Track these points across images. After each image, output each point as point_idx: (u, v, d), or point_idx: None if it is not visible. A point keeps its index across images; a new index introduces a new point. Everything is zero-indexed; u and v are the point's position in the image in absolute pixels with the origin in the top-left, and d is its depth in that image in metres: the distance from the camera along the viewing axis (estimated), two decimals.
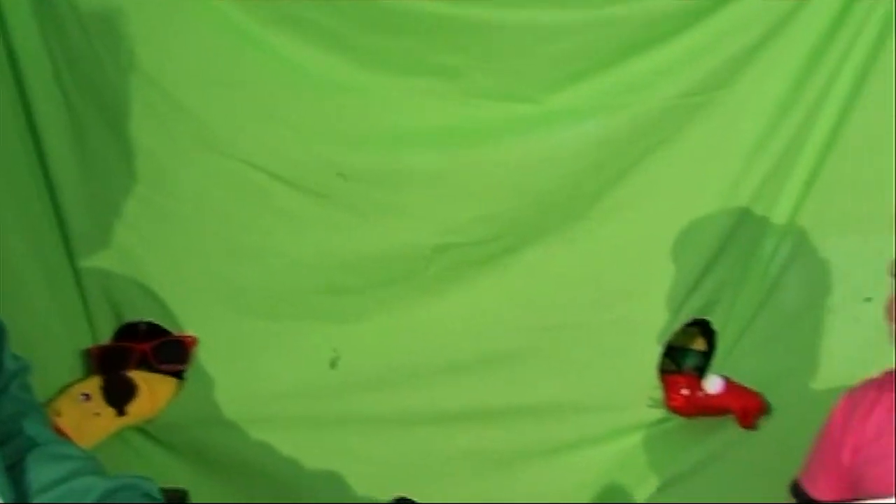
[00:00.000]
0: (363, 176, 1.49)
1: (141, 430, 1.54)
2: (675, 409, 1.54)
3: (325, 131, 1.47)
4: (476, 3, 1.41)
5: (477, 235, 1.52)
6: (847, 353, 1.47)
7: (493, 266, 1.55)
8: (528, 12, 1.40)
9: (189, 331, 1.52)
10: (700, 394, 1.53)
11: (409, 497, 1.15)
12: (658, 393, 1.56)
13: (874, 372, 1.11)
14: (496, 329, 1.58)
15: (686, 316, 1.54)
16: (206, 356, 1.53)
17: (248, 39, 1.42)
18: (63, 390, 1.48)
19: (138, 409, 1.49)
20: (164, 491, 0.99)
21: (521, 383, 1.60)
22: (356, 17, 1.41)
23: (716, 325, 1.55)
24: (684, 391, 1.53)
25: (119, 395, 1.48)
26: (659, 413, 1.58)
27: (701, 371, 1.58)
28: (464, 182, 1.50)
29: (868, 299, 1.44)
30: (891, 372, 1.07)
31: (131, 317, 1.53)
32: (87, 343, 1.51)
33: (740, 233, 1.50)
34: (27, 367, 1.05)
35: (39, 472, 0.95)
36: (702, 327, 1.59)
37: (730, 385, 1.53)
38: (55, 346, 1.48)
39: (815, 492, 1.11)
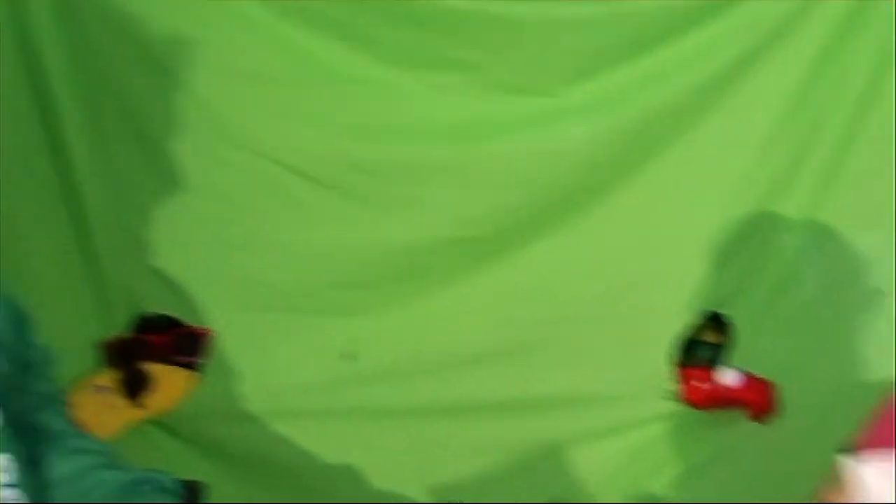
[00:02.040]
0: (379, 169, 1.49)
1: (158, 422, 1.54)
2: (693, 402, 1.54)
3: (343, 125, 1.48)
4: None
5: (491, 228, 1.53)
6: (867, 347, 1.47)
7: (507, 258, 1.56)
8: (547, 6, 1.41)
9: (206, 323, 1.52)
10: (720, 386, 1.52)
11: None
12: (672, 385, 1.56)
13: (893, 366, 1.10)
14: (510, 321, 1.58)
15: (701, 309, 1.54)
16: (223, 349, 1.53)
17: (266, 33, 1.43)
18: (81, 382, 1.48)
19: (156, 401, 1.50)
20: (182, 483, 1.00)
21: (534, 376, 1.60)
22: (375, 11, 1.42)
23: (732, 317, 1.54)
24: (702, 384, 1.53)
25: (136, 387, 1.49)
26: (673, 405, 1.57)
27: (712, 363, 1.57)
28: (479, 175, 1.51)
29: (889, 293, 1.43)
30: None
31: (149, 309, 1.53)
32: (106, 335, 1.51)
33: (756, 226, 1.50)
34: (50, 357, 1.06)
35: (59, 465, 0.95)
36: (714, 319, 1.58)
37: (749, 378, 1.52)
38: (74, 338, 1.48)
39: None
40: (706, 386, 1.56)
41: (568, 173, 1.49)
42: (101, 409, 1.46)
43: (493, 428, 1.62)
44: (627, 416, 1.60)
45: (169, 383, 1.51)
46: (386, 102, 1.48)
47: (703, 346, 1.61)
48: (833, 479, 0.88)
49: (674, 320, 1.55)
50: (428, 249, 1.53)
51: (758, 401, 1.53)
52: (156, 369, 1.51)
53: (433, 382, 1.58)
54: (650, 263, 1.54)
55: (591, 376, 1.58)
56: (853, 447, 1.03)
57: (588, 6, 1.41)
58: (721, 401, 1.55)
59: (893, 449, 0.93)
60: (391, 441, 1.59)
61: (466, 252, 1.53)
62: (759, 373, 1.54)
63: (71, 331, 1.48)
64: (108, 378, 1.49)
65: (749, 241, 1.52)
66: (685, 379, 1.56)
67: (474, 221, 1.52)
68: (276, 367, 1.54)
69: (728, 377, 1.54)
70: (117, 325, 1.52)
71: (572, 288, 1.57)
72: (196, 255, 1.51)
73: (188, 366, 1.53)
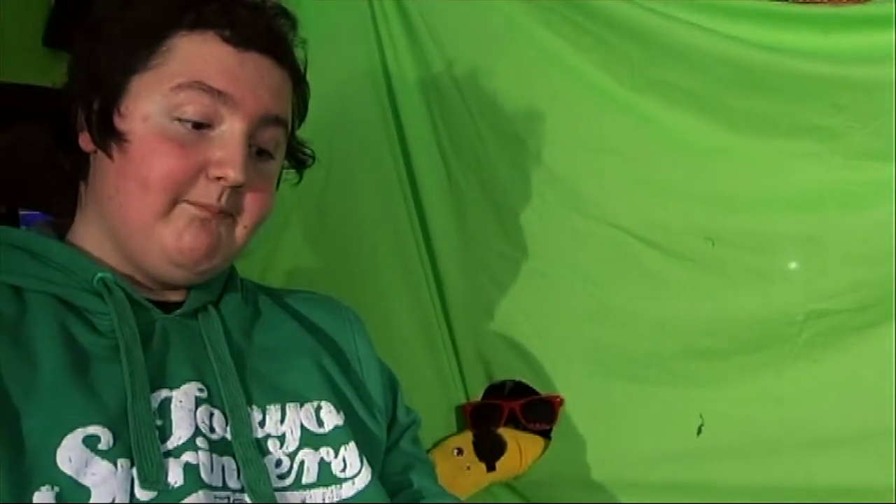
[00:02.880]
0: (733, 240, 1.48)
1: (508, 486, 1.58)
2: None
3: (695, 195, 1.48)
4: (858, 62, 1.37)
5: (854, 302, 1.46)
6: None
7: (870, 334, 1.47)
8: None
9: (555, 391, 1.55)
10: None
11: None
12: None
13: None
14: (873, 402, 1.48)
15: None
16: (571, 417, 1.55)
17: (616, 105, 1.48)
18: (438, 444, 1.55)
19: (507, 465, 1.54)
20: None
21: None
22: (727, 80, 1.42)
23: None
24: None
25: (490, 450, 1.53)
26: None
27: None
28: (839, 246, 1.45)
29: None
30: None
31: (500, 375, 1.58)
32: (461, 399, 1.58)
33: None
34: (417, 420, 1.12)
35: None
36: None
37: None
38: (432, 402, 1.56)
39: None
40: None
41: None
42: (457, 470, 1.52)
43: None
44: None
45: (521, 448, 1.54)
46: (740, 172, 1.47)
47: None
48: None
49: None
50: (783, 322, 1.48)
51: None
52: (508, 434, 1.55)
53: (786, 462, 1.51)
54: None
55: None
56: None
57: None
58: None
59: None
60: None
61: (826, 327, 1.46)
62: None
63: (431, 395, 1.56)
64: (464, 440, 1.54)
65: None
66: None
67: (836, 295, 1.46)
68: (624, 437, 1.54)
69: None
70: (472, 390, 1.58)
71: None
72: (547, 323, 1.56)
73: (539, 432, 1.55)
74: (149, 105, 0.87)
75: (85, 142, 0.91)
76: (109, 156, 0.88)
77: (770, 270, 1.47)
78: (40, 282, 0.87)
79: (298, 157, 1.06)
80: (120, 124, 0.87)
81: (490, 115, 1.51)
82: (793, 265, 1.47)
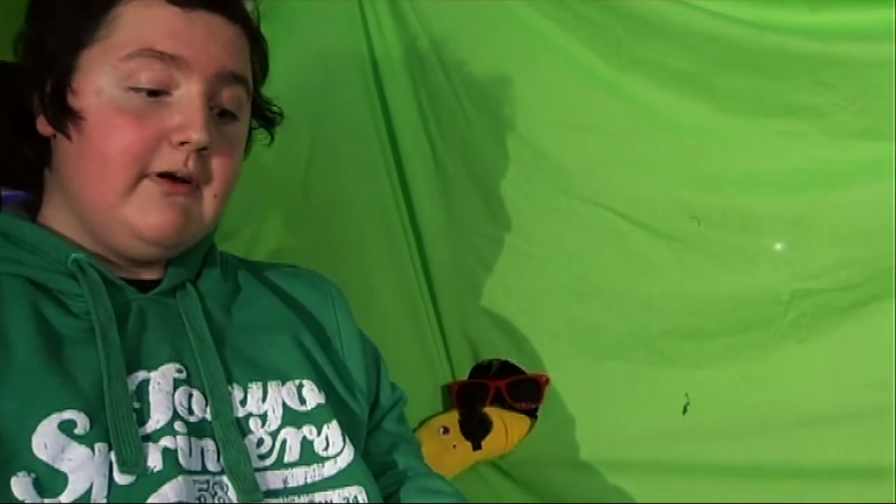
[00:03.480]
0: (719, 219, 1.47)
1: (494, 465, 1.58)
2: None
3: (680, 175, 1.47)
4: (845, 39, 1.35)
5: (840, 281, 1.44)
6: None
7: (856, 314, 1.46)
8: None
9: (541, 370, 1.55)
10: None
11: None
12: None
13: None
14: (860, 382, 1.47)
15: None
16: (557, 396, 1.56)
17: (602, 84, 1.46)
18: (424, 422, 1.56)
19: (493, 444, 1.54)
20: None
21: (886, 443, 1.48)
22: (713, 59, 1.41)
23: None
24: None
25: (476, 429, 1.54)
26: None
27: None
28: (825, 226, 1.44)
29: None
30: None
31: (487, 355, 1.59)
32: (447, 379, 1.59)
33: None
34: (404, 398, 1.12)
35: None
36: None
37: None
38: (417, 382, 1.56)
39: None
40: None
41: None
42: (443, 449, 1.52)
43: (834, 494, 1.51)
44: None
45: (507, 427, 1.55)
46: (726, 152, 1.46)
47: None
48: None
49: None
50: (769, 302, 1.47)
51: None
52: (494, 413, 1.56)
53: (772, 442, 1.50)
54: None
55: None
56: None
57: None
58: None
59: None
60: (726, 499, 1.52)
61: (812, 306, 1.45)
62: None
63: (417, 374, 1.57)
64: (450, 419, 1.55)
65: None
66: None
67: (821, 274, 1.44)
68: (610, 417, 1.54)
69: None
70: (458, 370, 1.58)
71: None
72: (532, 302, 1.56)
73: (525, 411, 1.56)
74: (100, 78, 0.85)
75: (42, 126, 0.89)
76: (67, 136, 0.86)
77: (756, 250, 1.46)
78: (11, 264, 0.86)
79: (266, 116, 1.04)
80: (73, 102, 0.85)
81: (476, 96, 1.50)
82: (779, 246, 1.46)
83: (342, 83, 1.50)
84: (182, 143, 0.86)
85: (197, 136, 0.85)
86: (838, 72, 1.37)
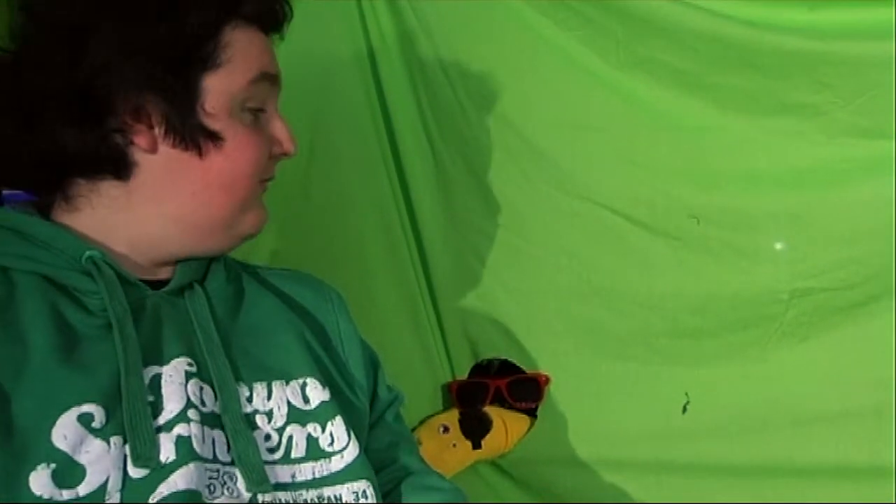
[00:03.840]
0: (718, 218, 1.47)
1: (493, 463, 1.58)
2: None
3: (679, 173, 1.47)
4: (842, 38, 1.35)
5: (839, 280, 1.44)
6: None
7: (856, 313, 1.46)
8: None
9: (541, 369, 1.55)
10: None
11: None
12: None
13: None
14: (860, 381, 1.47)
15: None
16: (557, 395, 1.56)
17: (601, 83, 1.47)
18: (424, 421, 1.56)
19: (493, 443, 1.55)
20: None
21: (886, 442, 1.48)
22: (711, 57, 1.40)
23: None
24: None
25: (476, 428, 1.54)
26: None
27: None
28: (825, 224, 1.44)
29: None
30: None
31: (486, 354, 1.59)
32: (447, 378, 1.59)
33: None
34: (400, 397, 1.13)
35: (411, 500, 1.02)
36: None
37: None
38: (417, 381, 1.57)
39: None
40: None
41: None
42: (443, 448, 1.53)
43: (835, 494, 1.51)
44: None
45: (506, 426, 1.55)
46: (725, 150, 1.46)
47: None
48: None
49: None
50: (768, 301, 1.47)
51: None
52: (494, 412, 1.56)
53: (772, 441, 1.50)
54: None
55: None
56: None
57: None
58: None
59: None
60: (727, 499, 1.52)
61: (812, 305, 1.45)
62: None
63: (416, 373, 1.58)
64: (450, 418, 1.55)
65: None
66: None
67: (820, 273, 1.44)
68: (609, 416, 1.54)
69: None
70: (458, 369, 1.59)
71: None
72: (532, 301, 1.56)
73: (525, 410, 1.56)
74: (230, 101, 0.90)
75: (146, 141, 0.88)
76: (199, 155, 0.89)
77: (755, 249, 1.46)
78: (28, 261, 0.86)
79: None
80: (210, 123, 0.89)
81: (475, 94, 1.51)
82: (778, 245, 1.46)
83: (341, 81, 1.51)
84: (281, 155, 0.96)
85: (294, 147, 0.97)
86: (836, 71, 1.37)
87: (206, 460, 0.84)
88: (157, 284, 0.94)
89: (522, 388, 1.56)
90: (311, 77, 1.47)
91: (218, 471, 0.85)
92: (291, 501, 0.88)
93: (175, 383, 0.86)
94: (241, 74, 0.90)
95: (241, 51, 0.90)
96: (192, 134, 0.88)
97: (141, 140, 0.88)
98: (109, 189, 0.92)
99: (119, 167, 0.90)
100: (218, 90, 0.89)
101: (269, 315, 1.01)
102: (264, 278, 1.07)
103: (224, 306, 0.98)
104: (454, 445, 1.54)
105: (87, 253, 0.88)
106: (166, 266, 0.96)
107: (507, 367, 1.58)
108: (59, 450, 0.75)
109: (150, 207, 0.91)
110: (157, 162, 0.89)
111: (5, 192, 1.17)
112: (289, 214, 1.51)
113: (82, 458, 0.76)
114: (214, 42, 0.88)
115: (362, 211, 1.54)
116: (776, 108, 1.41)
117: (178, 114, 0.88)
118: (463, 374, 1.60)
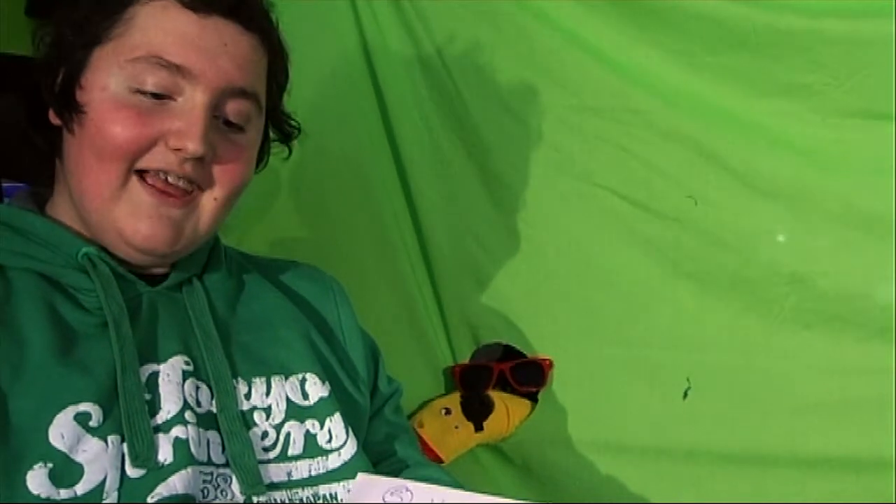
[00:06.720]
0: (715, 200, 1.47)
1: (494, 448, 1.58)
2: None
3: (676, 154, 1.48)
4: (836, 17, 1.36)
5: (833, 266, 1.44)
6: None
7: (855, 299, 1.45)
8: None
9: (543, 353, 1.56)
10: None
11: None
12: None
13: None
14: (863, 370, 1.46)
15: None
16: (558, 379, 1.55)
17: (597, 66, 1.49)
18: (426, 404, 1.56)
19: (494, 425, 1.54)
20: None
21: (886, 431, 1.45)
22: (704, 37, 1.42)
23: None
24: None
25: (478, 410, 1.53)
26: None
27: None
28: (822, 206, 1.44)
29: None
30: None
31: (488, 338, 1.59)
32: (447, 363, 1.59)
33: None
34: (399, 389, 1.14)
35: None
36: None
37: None
38: (419, 365, 1.57)
39: None
40: None
41: None
42: (446, 430, 1.52)
43: (835, 483, 1.48)
44: None
45: (508, 409, 1.55)
46: (720, 131, 1.47)
47: None
48: None
49: None
50: (766, 284, 1.47)
51: None
52: (496, 395, 1.56)
53: (773, 429, 1.48)
54: None
55: None
56: None
57: None
58: None
59: None
60: (727, 487, 1.50)
61: (806, 290, 1.45)
62: None
63: (418, 358, 1.58)
64: (452, 401, 1.55)
65: None
66: None
67: (820, 256, 1.44)
68: (611, 401, 1.53)
69: None
70: (460, 353, 1.59)
71: None
72: (534, 286, 1.56)
73: (526, 394, 1.56)
74: (107, 76, 0.85)
75: (53, 116, 0.89)
76: (70, 129, 0.87)
77: (753, 231, 1.46)
78: (24, 259, 0.86)
79: (284, 130, 1.03)
80: (80, 96, 0.86)
81: (473, 78, 1.52)
82: (776, 226, 1.46)
83: (337, 69, 1.51)
84: (177, 150, 0.85)
85: (193, 146, 0.85)
86: (830, 50, 1.38)
87: (200, 463, 0.83)
88: (156, 279, 0.93)
89: (526, 372, 1.56)
90: (305, 65, 1.50)
91: (212, 473, 0.84)
92: (287, 500, 0.87)
93: (172, 383, 0.85)
94: (126, 51, 0.85)
95: (138, 27, 0.85)
96: (61, 105, 0.86)
97: (52, 115, 0.89)
98: (59, 170, 0.95)
99: (51, 144, 0.92)
100: (96, 64, 0.86)
101: (271, 309, 1.01)
102: (266, 270, 1.07)
103: (223, 300, 0.98)
104: (456, 427, 1.53)
105: (84, 250, 0.87)
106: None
107: (510, 351, 1.58)
108: (56, 449, 0.75)
109: (65, 187, 0.91)
110: (66, 139, 0.89)
111: (6, 183, 1.19)
112: (286, 203, 1.52)
113: (80, 457, 0.76)
114: (117, 16, 0.86)
115: (360, 199, 1.54)
116: (770, 89, 1.43)
117: (59, 86, 0.87)
118: (463, 359, 1.59)
